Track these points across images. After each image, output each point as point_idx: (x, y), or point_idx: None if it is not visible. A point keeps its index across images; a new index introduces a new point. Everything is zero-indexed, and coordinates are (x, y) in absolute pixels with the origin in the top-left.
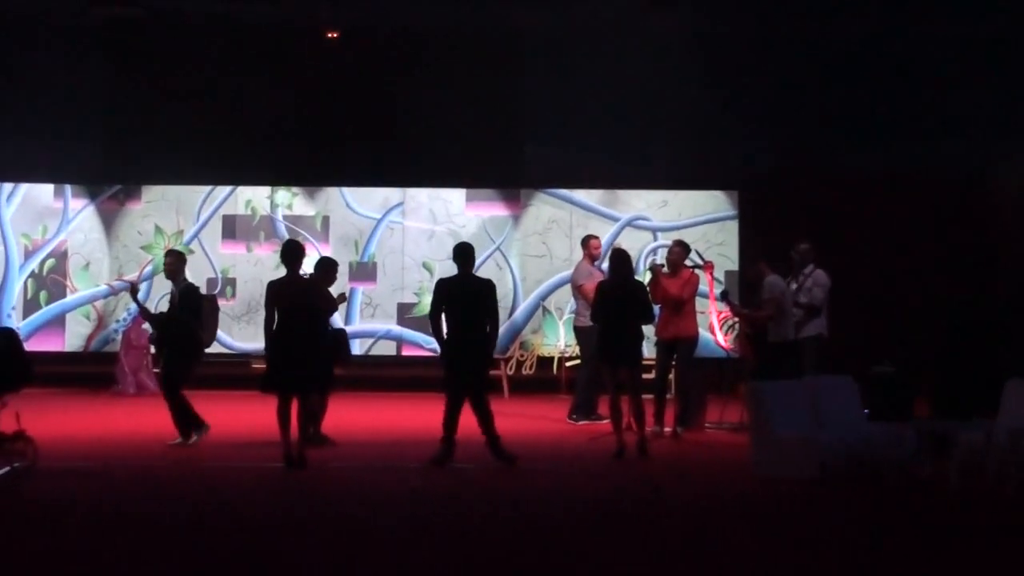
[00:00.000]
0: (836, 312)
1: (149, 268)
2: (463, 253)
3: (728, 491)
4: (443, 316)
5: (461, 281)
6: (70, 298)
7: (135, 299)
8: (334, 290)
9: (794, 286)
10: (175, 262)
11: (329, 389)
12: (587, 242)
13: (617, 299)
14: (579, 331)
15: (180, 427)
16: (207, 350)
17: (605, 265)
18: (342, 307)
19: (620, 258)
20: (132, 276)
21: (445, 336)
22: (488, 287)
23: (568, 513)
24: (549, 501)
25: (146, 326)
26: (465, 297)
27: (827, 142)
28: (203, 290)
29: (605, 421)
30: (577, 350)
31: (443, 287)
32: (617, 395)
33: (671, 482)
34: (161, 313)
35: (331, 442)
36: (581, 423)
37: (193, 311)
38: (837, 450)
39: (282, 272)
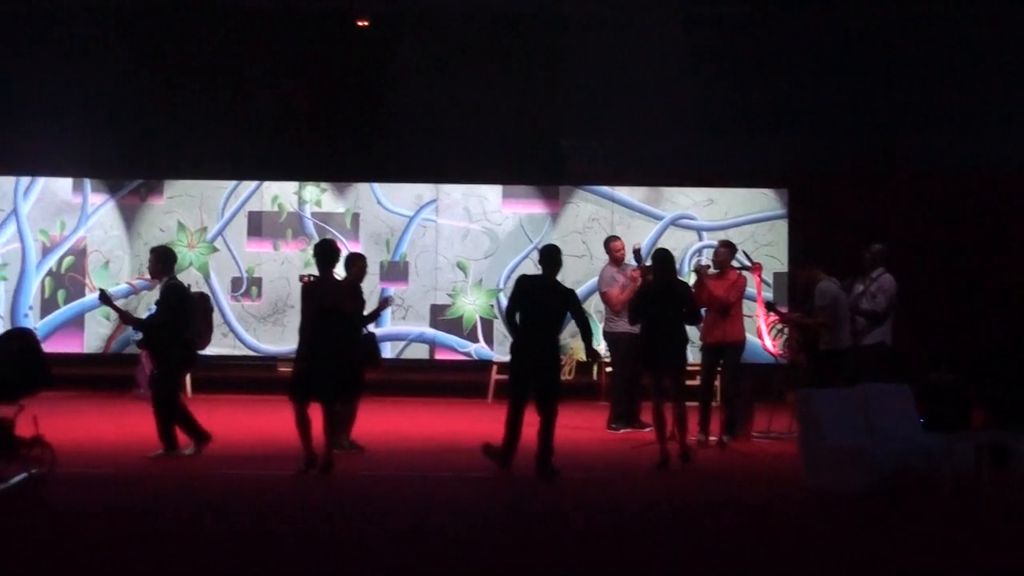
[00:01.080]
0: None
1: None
2: (544, 255)
3: (776, 503)
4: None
5: (542, 282)
6: (89, 297)
7: (109, 305)
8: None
9: (860, 288)
10: (156, 260)
11: (359, 395)
12: (609, 244)
13: (661, 302)
14: (609, 337)
15: (164, 437)
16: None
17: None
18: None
19: (663, 259)
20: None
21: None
22: (570, 296)
23: (609, 524)
24: (589, 511)
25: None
26: (542, 300)
27: (881, 137)
28: (228, 290)
29: (648, 429)
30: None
31: (522, 284)
32: (661, 402)
33: (716, 493)
34: (148, 318)
35: (360, 448)
36: (622, 431)
37: (176, 311)
38: (891, 461)
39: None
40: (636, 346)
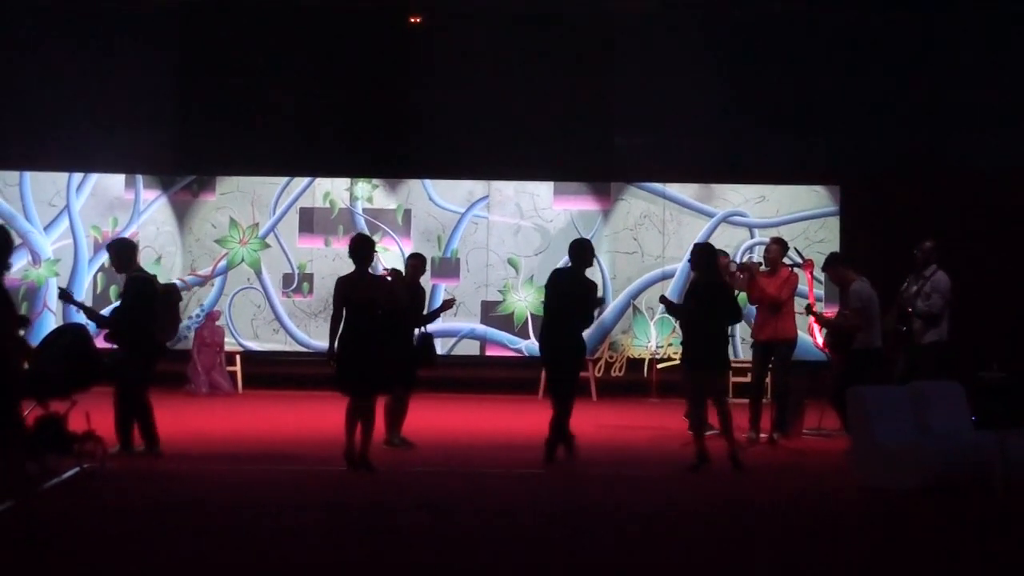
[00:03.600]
0: None
1: (224, 263)
2: (572, 249)
3: (828, 501)
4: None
5: (569, 275)
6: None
7: (70, 301)
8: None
9: (914, 288)
10: (115, 254)
11: (411, 391)
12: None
13: (706, 300)
14: None
15: (120, 433)
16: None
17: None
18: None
19: (706, 254)
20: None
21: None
22: (589, 287)
23: (659, 522)
24: (636, 508)
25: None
26: (568, 292)
27: (934, 134)
28: (279, 286)
29: (713, 432)
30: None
31: (551, 278)
32: (701, 403)
33: (766, 491)
34: (112, 313)
35: (411, 445)
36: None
37: (139, 304)
38: (943, 459)
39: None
40: None
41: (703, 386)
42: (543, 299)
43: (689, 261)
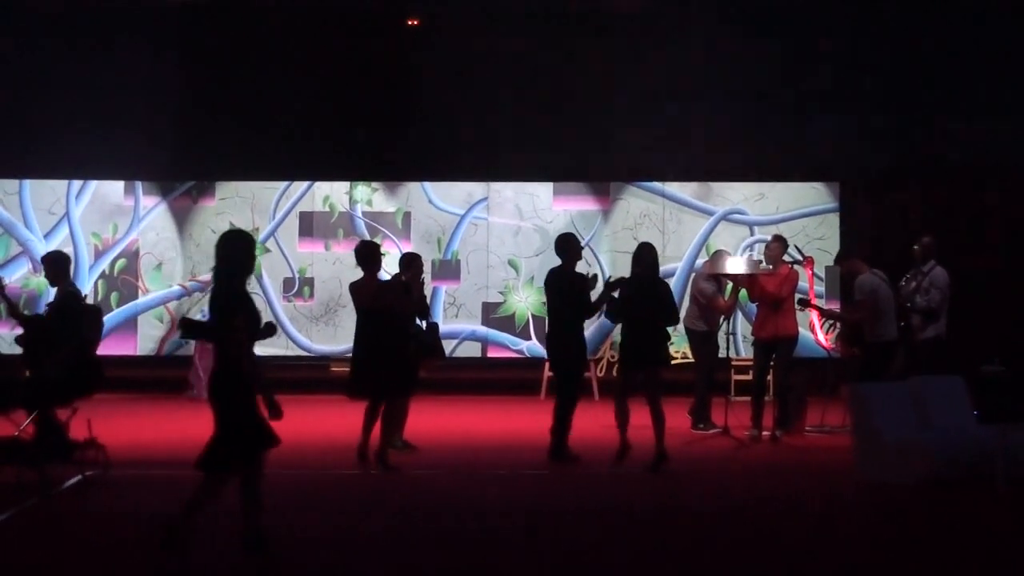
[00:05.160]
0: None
1: None
2: (557, 245)
3: (831, 496)
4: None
5: (558, 275)
6: (142, 299)
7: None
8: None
9: (913, 284)
10: (50, 265)
11: (411, 393)
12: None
13: (642, 297)
14: (693, 334)
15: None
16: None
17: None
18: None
19: (648, 252)
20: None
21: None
22: (579, 280)
23: (661, 519)
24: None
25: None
26: (559, 290)
27: (933, 131)
28: (280, 290)
29: (716, 430)
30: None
31: (546, 281)
32: (625, 397)
33: (769, 488)
34: (37, 316)
35: (413, 448)
36: (711, 432)
37: (71, 323)
38: (945, 454)
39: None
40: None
41: (635, 383)
42: (543, 301)
43: (634, 255)
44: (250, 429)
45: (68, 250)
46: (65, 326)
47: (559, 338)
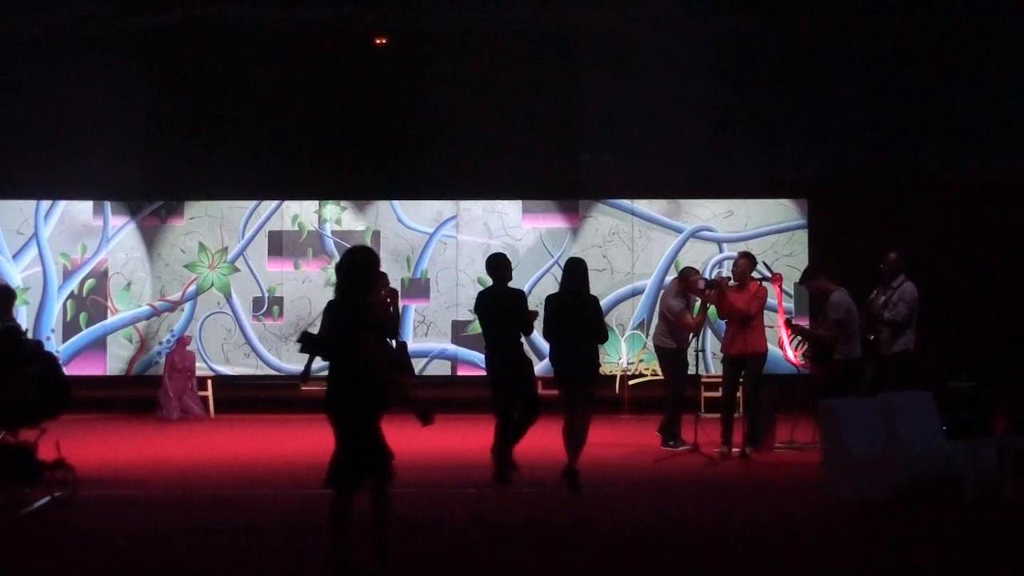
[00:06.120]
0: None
1: (193, 287)
2: (489, 265)
3: (799, 513)
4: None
5: (492, 293)
6: (111, 320)
7: None
8: None
9: (882, 299)
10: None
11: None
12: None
13: (572, 314)
14: (662, 352)
15: None
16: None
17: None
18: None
19: (580, 268)
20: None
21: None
22: (518, 297)
23: (629, 537)
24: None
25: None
26: (497, 311)
27: (901, 146)
28: (249, 309)
29: (685, 447)
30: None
31: (477, 300)
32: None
33: (739, 505)
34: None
35: None
36: (681, 449)
37: (12, 357)
38: (914, 469)
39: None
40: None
41: (568, 397)
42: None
43: (563, 271)
44: (362, 449)
45: (36, 271)
46: (7, 362)
47: (506, 363)
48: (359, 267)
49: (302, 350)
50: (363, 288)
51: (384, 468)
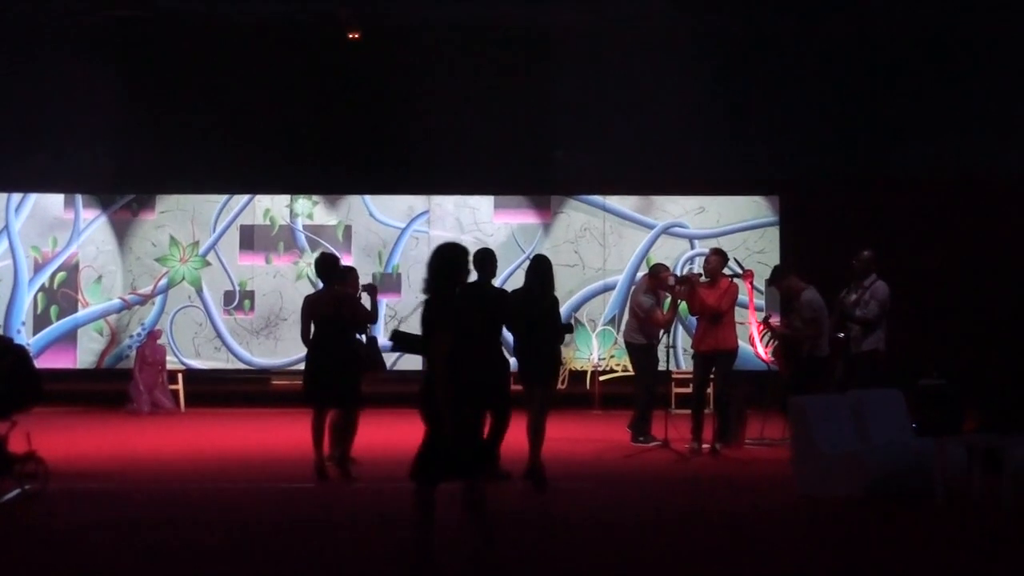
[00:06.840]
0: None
1: (164, 281)
2: (475, 260)
3: (769, 510)
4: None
5: (475, 290)
6: (82, 313)
7: None
8: None
9: (853, 297)
10: None
11: (359, 408)
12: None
13: (534, 311)
14: (632, 348)
15: None
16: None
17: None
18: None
19: (539, 266)
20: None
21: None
22: (503, 297)
23: (599, 533)
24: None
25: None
26: (480, 309)
27: (872, 143)
28: (220, 303)
29: (656, 443)
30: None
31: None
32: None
33: (708, 501)
34: None
35: (354, 461)
36: (651, 444)
37: None
38: (883, 467)
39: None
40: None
41: (531, 395)
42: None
43: (528, 268)
44: (447, 446)
45: (7, 264)
46: None
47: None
48: (441, 264)
49: (393, 348)
50: (439, 286)
51: (483, 466)
